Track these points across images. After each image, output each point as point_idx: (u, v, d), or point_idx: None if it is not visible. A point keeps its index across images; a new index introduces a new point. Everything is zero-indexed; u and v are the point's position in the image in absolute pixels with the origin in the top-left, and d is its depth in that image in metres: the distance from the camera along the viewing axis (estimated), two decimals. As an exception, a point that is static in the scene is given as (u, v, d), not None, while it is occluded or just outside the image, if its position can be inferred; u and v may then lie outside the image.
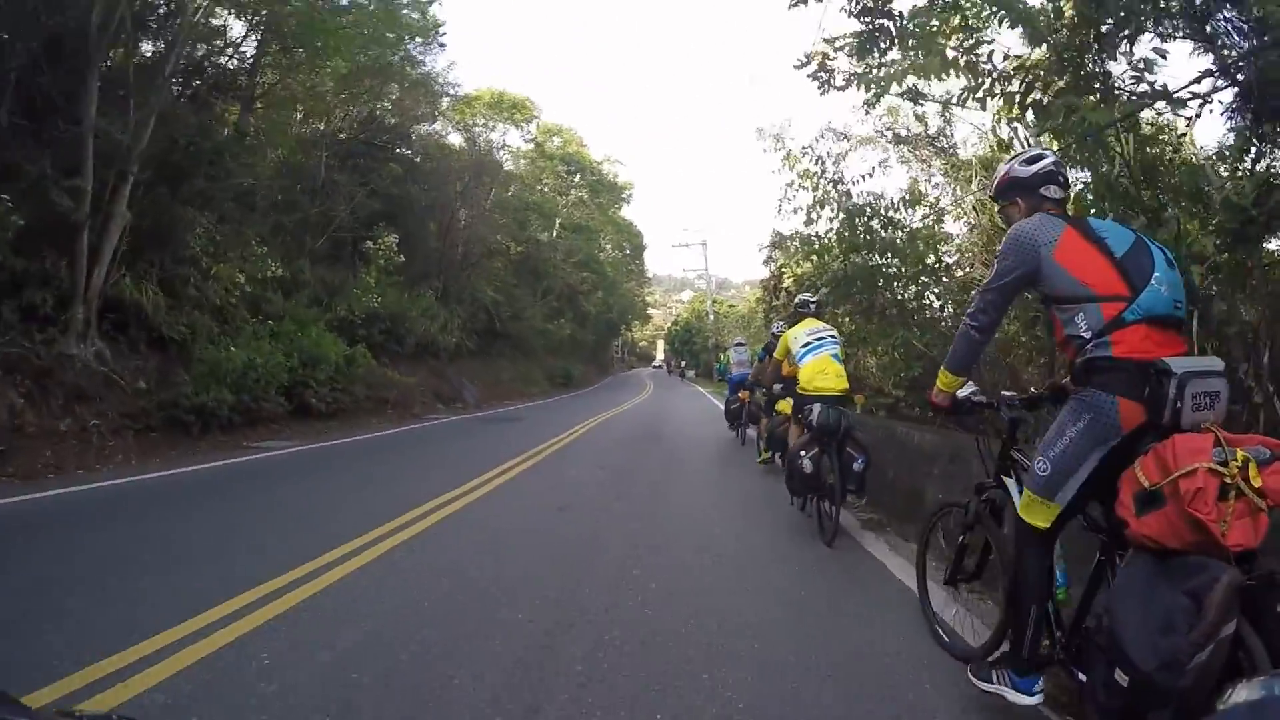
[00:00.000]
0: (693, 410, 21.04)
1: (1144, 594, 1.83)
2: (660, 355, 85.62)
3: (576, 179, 41.65)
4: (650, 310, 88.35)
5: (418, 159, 23.51)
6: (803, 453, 5.24)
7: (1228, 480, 1.73)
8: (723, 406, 14.26)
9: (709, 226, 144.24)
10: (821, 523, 5.23)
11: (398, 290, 18.82)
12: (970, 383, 2.84)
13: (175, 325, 11.14)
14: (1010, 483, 2.70)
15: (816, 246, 8.70)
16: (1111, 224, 2.43)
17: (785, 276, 15.09)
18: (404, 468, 8.90)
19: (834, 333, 6.05)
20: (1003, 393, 2.93)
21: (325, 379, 13.27)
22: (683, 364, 60.89)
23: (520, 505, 6.44)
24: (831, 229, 8.43)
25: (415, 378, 19.42)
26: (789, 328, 6.37)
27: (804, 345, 5.79)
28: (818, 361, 5.63)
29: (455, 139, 27.53)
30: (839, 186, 8.39)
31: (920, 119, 11.08)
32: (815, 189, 8.72)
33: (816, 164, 8.58)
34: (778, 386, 7.54)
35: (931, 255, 7.90)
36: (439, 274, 21.95)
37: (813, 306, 6.29)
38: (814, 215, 8.68)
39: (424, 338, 19.50)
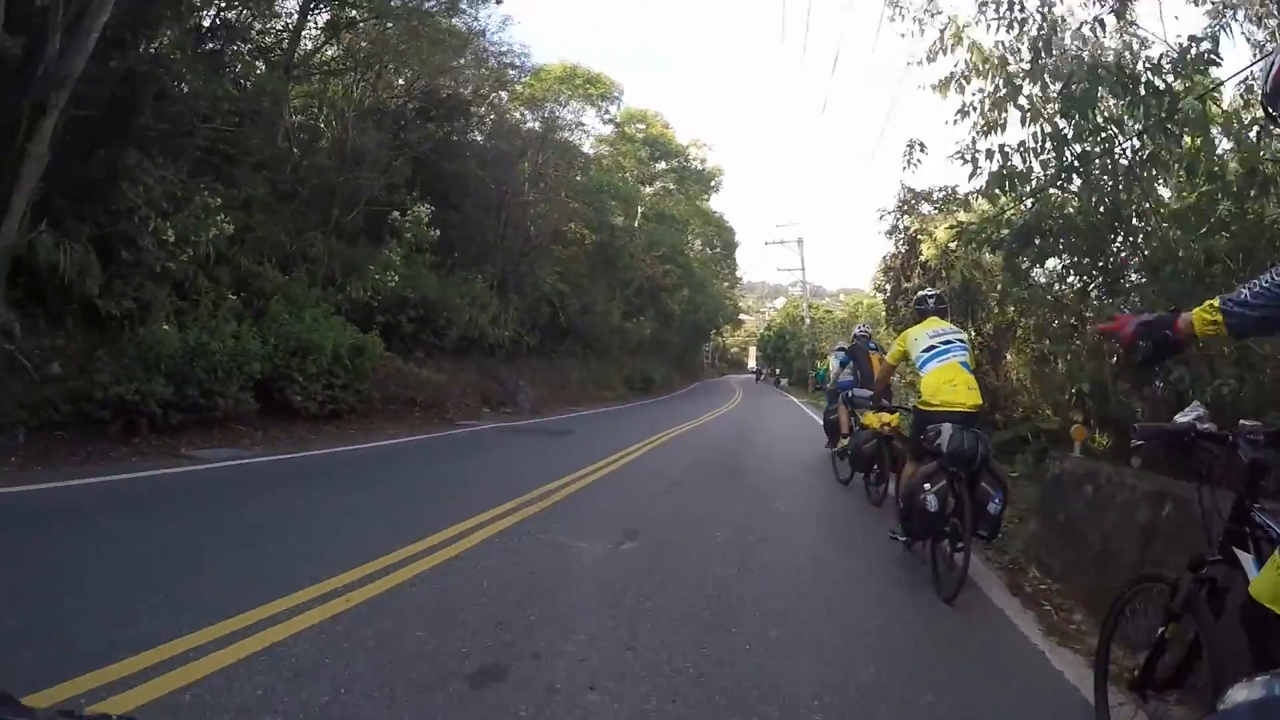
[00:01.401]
0: (785, 427, 17.72)
1: None
2: (753, 362, 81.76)
3: (660, 165, 38.70)
4: (743, 316, 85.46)
5: (472, 133, 21.16)
6: (927, 485, 4.32)
7: None
8: (820, 420, 12.63)
9: (804, 225, 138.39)
10: (937, 570, 4.40)
11: (435, 273, 16.27)
12: (1198, 404, 2.18)
13: (116, 297, 8.83)
14: (1245, 557, 1.91)
15: (1004, 173, 5.39)
16: None
17: (923, 246, 11.45)
18: (335, 509, 6.03)
19: (963, 336, 5.14)
20: (1242, 422, 2.07)
21: (317, 372, 10.78)
22: (776, 371, 57.18)
23: (411, 655, 3.16)
24: (1035, 134, 5.10)
25: (459, 375, 16.98)
26: (911, 326, 5.36)
27: (926, 349, 4.95)
28: (944, 370, 4.82)
29: (524, 118, 25.09)
30: (1056, 35, 5.00)
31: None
32: (999, 73, 5.41)
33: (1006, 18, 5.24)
34: (864, 392, 7.52)
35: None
36: (496, 259, 19.37)
37: (931, 303, 5.35)
38: (998, 117, 5.38)
39: (470, 330, 16.93)
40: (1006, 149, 5.42)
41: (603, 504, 6.44)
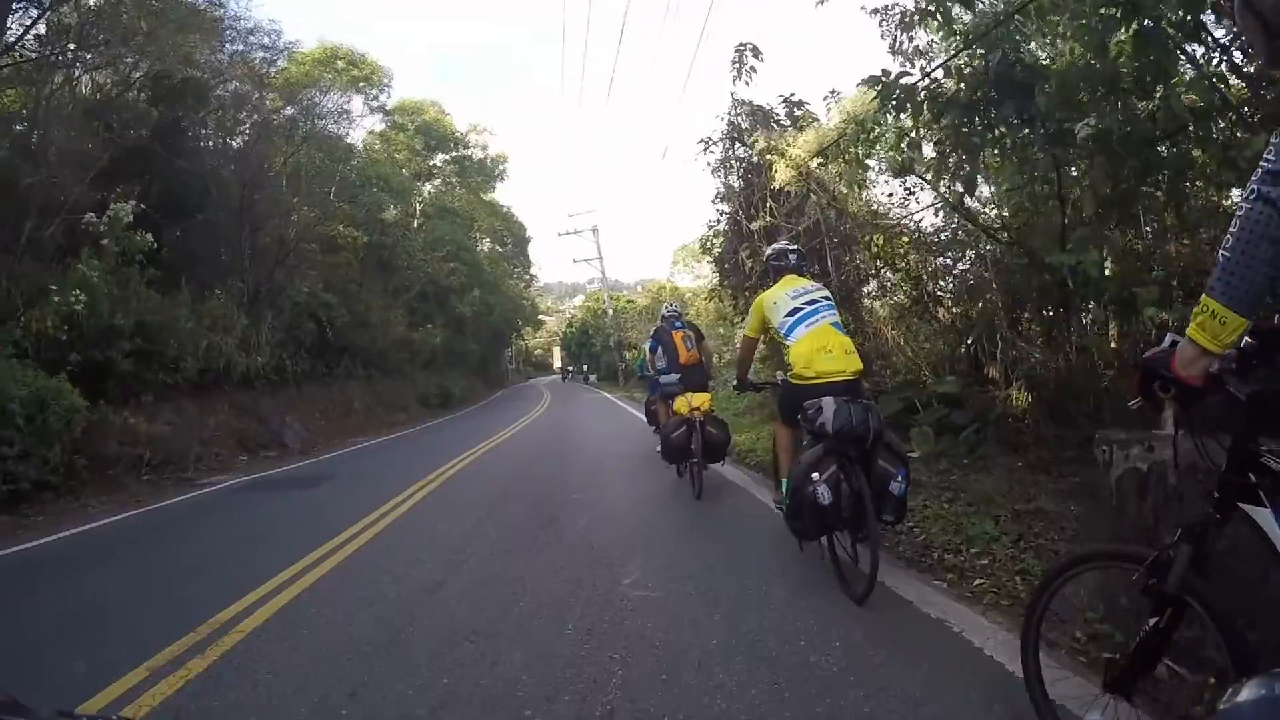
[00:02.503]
0: (606, 429, 16.46)
1: None
2: (558, 362, 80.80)
3: (439, 159, 36.01)
4: (543, 316, 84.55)
5: (210, 126, 17.87)
6: (815, 475, 3.67)
7: None
8: (644, 418, 12.20)
9: (599, 214, 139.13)
10: (841, 568, 3.90)
11: (162, 293, 13.20)
12: (1172, 333, 1.75)
13: None
14: (1260, 512, 1.59)
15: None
16: None
17: (775, 169, 9.37)
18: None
19: (827, 293, 4.57)
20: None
21: (-33, 443, 7.85)
22: (584, 368, 56.32)
23: None
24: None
25: (205, 418, 13.97)
26: (767, 290, 4.73)
27: (790, 314, 4.37)
28: (816, 334, 4.27)
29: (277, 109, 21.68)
30: None
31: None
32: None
33: None
34: (671, 378, 7.56)
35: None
36: (246, 271, 16.30)
37: (793, 258, 4.76)
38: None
39: (213, 360, 13.96)
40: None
41: (340, 609, 4.11)
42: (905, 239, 8.66)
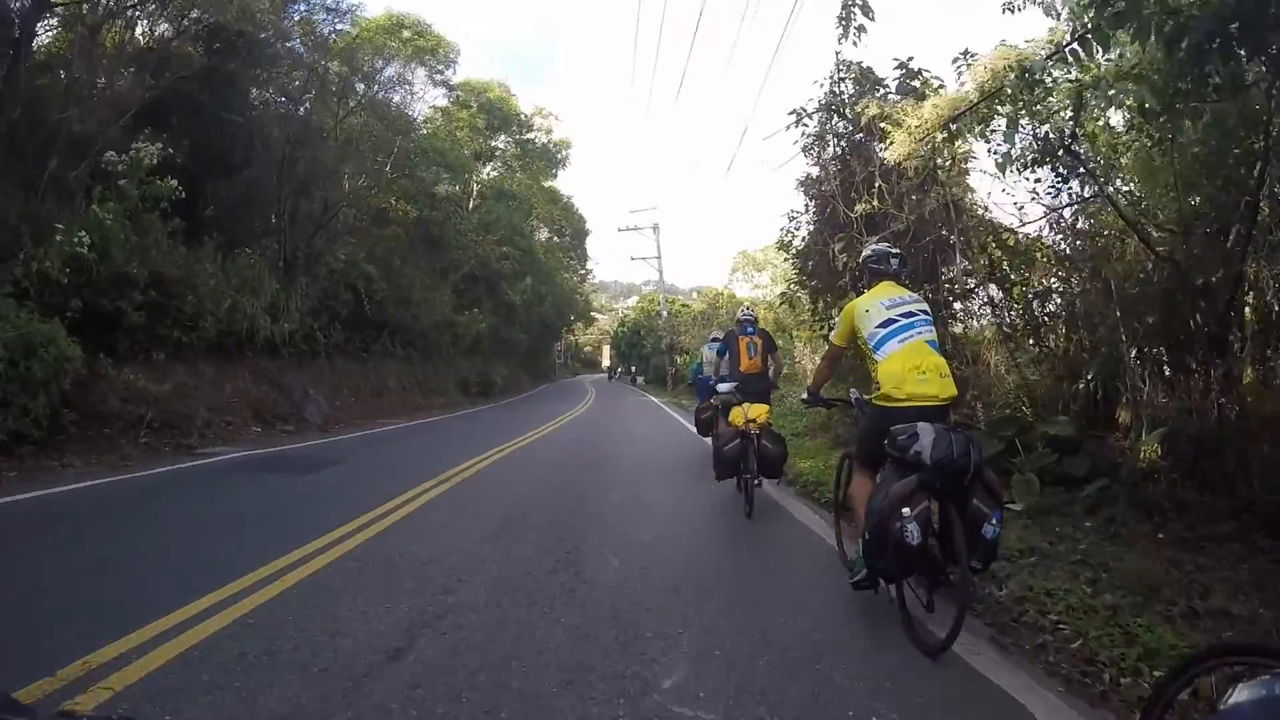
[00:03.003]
0: (649, 435, 15.16)
1: None
2: (607, 360, 79.96)
3: (501, 140, 35.12)
4: (596, 315, 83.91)
5: (263, 80, 17.18)
6: (906, 510, 3.26)
7: None
8: (693, 427, 11.83)
9: (660, 210, 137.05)
10: (910, 615, 3.50)
11: (187, 246, 12.40)
12: None
13: None
14: None
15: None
16: None
17: (890, 142, 7.59)
18: None
19: (925, 306, 4.05)
20: None
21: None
22: (633, 369, 55.07)
23: None
24: None
25: (223, 383, 13.18)
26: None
27: (882, 324, 3.89)
28: (909, 352, 3.81)
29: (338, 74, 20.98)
30: None
31: None
32: None
33: None
34: (729, 386, 6.97)
35: None
36: (283, 233, 15.49)
37: (894, 263, 4.18)
38: None
39: (236, 323, 13.12)
40: None
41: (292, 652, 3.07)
42: (1033, 246, 7.17)
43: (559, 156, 39.29)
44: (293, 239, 16.09)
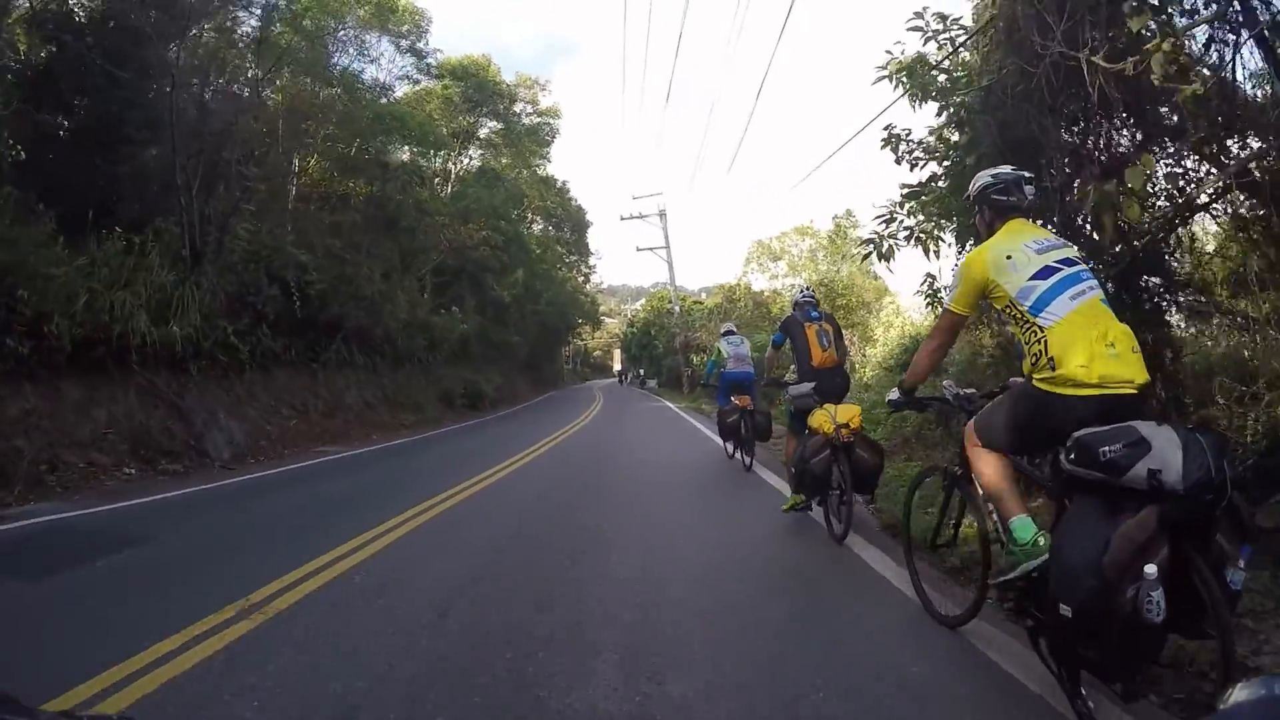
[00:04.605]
0: (664, 457, 11.91)
1: None
2: (618, 364, 77.30)
3: (485, 128, 31.66)
4: (605, 319, 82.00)
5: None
6: (1150, 569, 2.22)
7: None
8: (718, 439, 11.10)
9: (666, 195, 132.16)
10: None
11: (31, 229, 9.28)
12: None
13: None
14: None
15: None
16: None
17: None
18: None
19: (1075, 250, 3.11)
20: None
21: None
22: (639, 372, 51.85)
23: None
24: None
25: (90, 407, 10.05)
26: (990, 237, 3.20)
27: (1039, 274, 2.88)
28: (1087, 314, 2.81)
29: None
30: None
31: None
32: None
33: None
34: (803, 387, 5.99)
35: None
36: (180, 210, 12.29)
37: (1029, 190, 3.22)
38: None
39: (100, 325, 9.98)
40: None
41: None
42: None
43: (550, 128, 35.45)
44: (204, 223, 12.87)
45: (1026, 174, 3.25)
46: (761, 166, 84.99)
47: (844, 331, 7.16)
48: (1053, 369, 2.73)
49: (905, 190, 6.66)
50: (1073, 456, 2.52)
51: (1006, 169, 3.32)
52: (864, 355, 16.97)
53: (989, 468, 3.02)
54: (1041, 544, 2.69)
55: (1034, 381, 2.81)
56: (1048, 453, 2.91)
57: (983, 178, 3.28)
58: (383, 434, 16.08)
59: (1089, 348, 2.67)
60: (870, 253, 6.81)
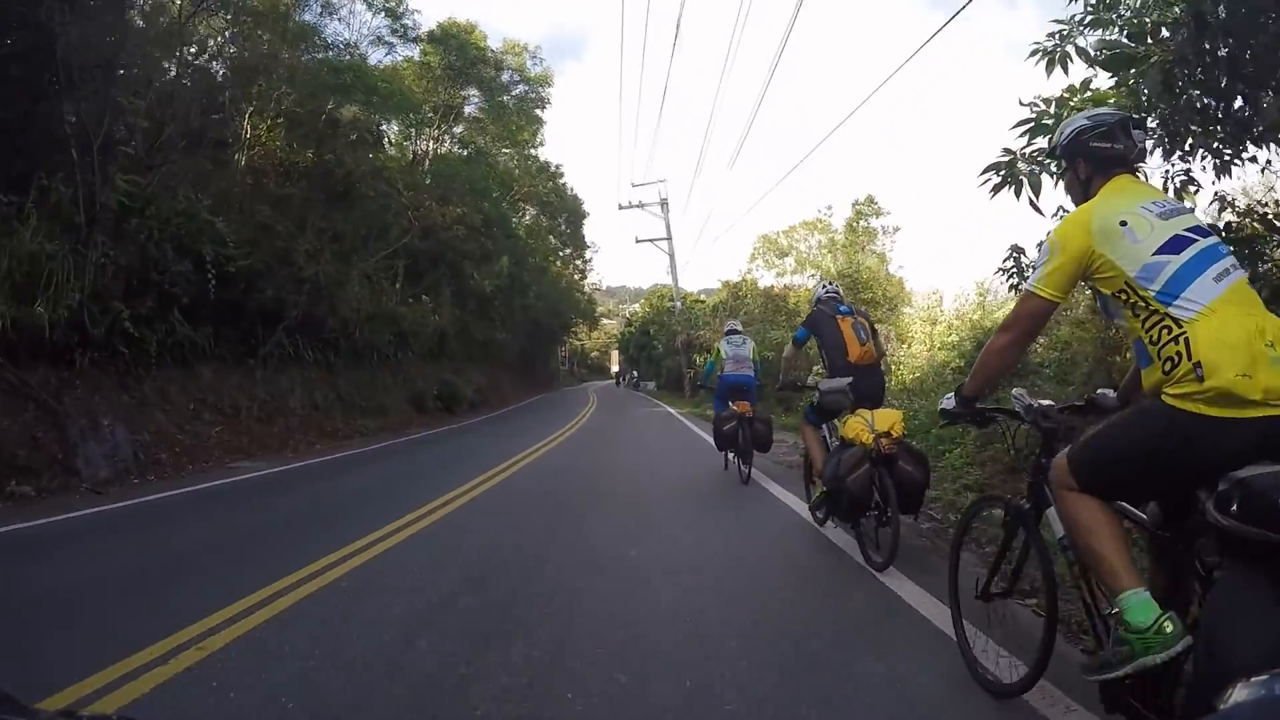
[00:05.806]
0: (660, 478, 9.99)
1: None
2: (615, 365, 75.83)
3: (471, 104, 29.42)
4: (604, 319, 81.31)
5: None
6: None
7: None
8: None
9: (669, 184, 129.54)
10: None
11: None
12: None
13: None
14: None
15: None
16: None
17: None
18: None
19: (1199, 217, 2.56)
20: None
21: None
22: (634, 374, 50.08)
23: None
24: None
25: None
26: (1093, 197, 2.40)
27: (1166, 246, 2.13)
28: (1237, 301, 2.09)
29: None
30: None
31: None
32: None
33: None
34: (837, 384, 5.30)
35: None
36: (71, 169, 10.14)
37: (1140, 136, 2.43)
38: None
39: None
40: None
41: None
42: None
43: (539, 97, 33.33)
44: (105, 184, 10.69)
45: (1135, 117, 2.57)
46: (760, 167, 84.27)
47: (878, 328, 6.35)
48: (1199, 379, 1.98)
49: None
50: (1234, 507, 1.81)
51: (1108, 110, 2.70)
52: (899, 355, 14.80)
53: (1091, 519, 2.29)
54: (1170, 631, 1.95)
55: (1167, 397, 2.06)
56: (1175, 498, 2.09)
57: (1077, 120, 2.59)
58: (328, 443, 13.90)
59: (1249, 349, 1.94)
60: (1003, 181, 4.74)
